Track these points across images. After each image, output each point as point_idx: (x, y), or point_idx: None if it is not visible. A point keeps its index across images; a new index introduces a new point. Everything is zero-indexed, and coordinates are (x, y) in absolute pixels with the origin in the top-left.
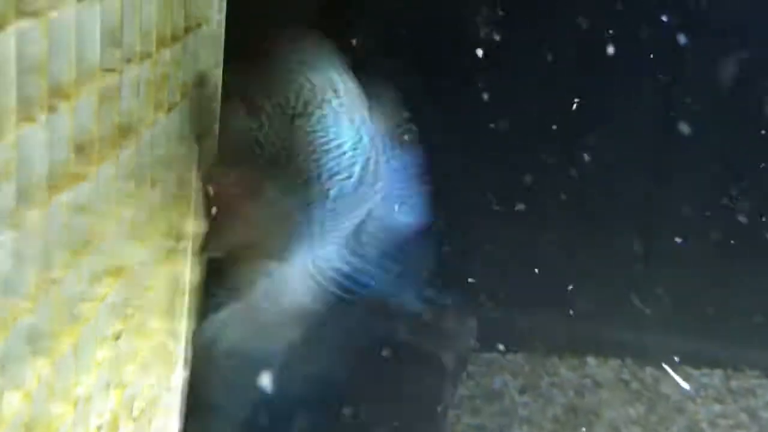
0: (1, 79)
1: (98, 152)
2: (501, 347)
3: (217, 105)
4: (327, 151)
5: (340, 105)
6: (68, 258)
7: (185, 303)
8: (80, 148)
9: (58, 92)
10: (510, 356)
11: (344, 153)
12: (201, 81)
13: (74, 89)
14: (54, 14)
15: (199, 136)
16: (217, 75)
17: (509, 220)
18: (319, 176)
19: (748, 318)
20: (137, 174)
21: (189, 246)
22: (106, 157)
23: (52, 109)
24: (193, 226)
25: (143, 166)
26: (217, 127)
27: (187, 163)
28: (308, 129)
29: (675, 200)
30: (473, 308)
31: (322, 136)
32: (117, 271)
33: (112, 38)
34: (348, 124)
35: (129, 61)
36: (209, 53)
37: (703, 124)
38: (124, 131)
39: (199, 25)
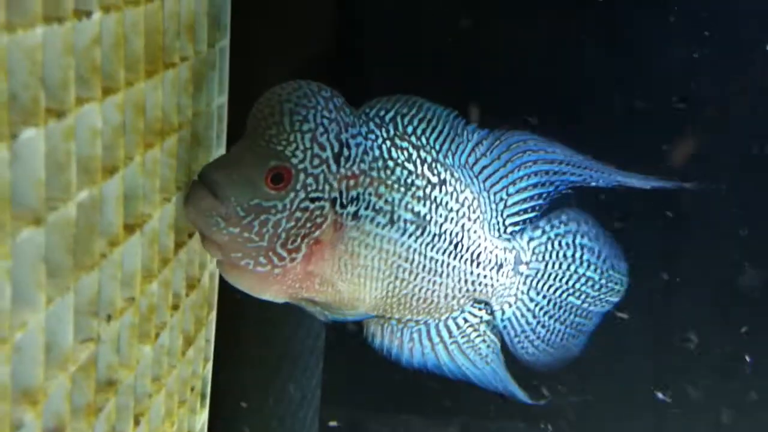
0: None
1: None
2: None
3: (213, 298)
4: None
5: None
6: None
7: None
8: None
9: (25, 399)
10: None
11: None
12: (194, 284)
13: (42, 392)
14: (17, 336)
15: (197, 330)
16: (213, 268)
17: None
18: None
19: None
20: (119, 421)
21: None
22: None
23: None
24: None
25: (127, 409)
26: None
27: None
28: None
29: None
30: None
31: None
32: None
33: (88, 310)
34: None
35: (109, 318)
36: (203, 258)
37: None
38: (104, 389)
39: (191, 236)
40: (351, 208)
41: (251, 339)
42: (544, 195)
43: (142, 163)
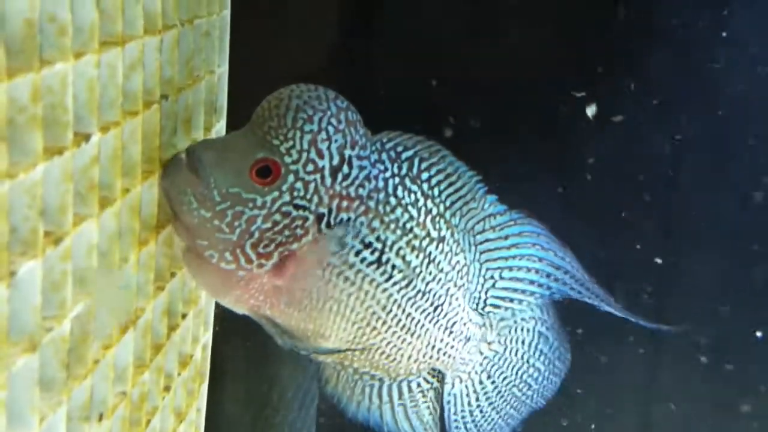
0: None
1: None
2: None
3: (206, 368)
4: None
5: None
6: None
7: None
8: None
9: None
10: None
11: None
12: (187, 361)
13: None
14: None
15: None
16: (205, 340)
17: None
18: None
19: None
20: None
21: None
22: None
23: None
24: None
25: None
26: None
27: None
28: None
29: None
30: None
31: None
32: None
33: (80, 416)
34: None
35: (101, 417)
36: (196, 332)
37: None
38: None
39: (184, 317)
40: (338, 232)
41: (241, 397)
42: (537, 295)
43: (137, 260)
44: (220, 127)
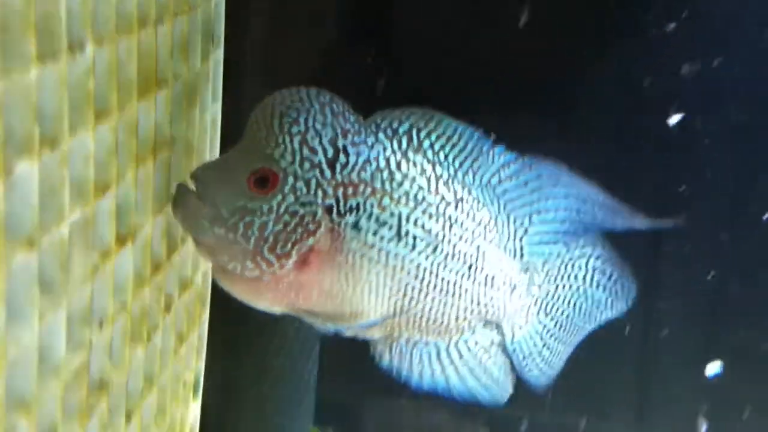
0: None
1: None
2: None
3: (207, 296)
4: None
5: None
6: None
7: None
8: None
9: (19, 408)
10: None
11: None
12: (188, 285)
13: (35, 400)
14: (11, 352)
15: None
16: (206, 268)
17: None
18: None
19: None
20: None
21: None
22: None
23: None
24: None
25: (119, 408)
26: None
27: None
28: None
29: None
30: None
31: None
32: None
33: (80, 319)
34: None
35: (101, 324)
36: (196, 259)
37: None
38: (96, 392)
39: (183, 241)
40: (350, 218)
41: (245, 326)
42: (571, 230)
43: (135, 178)
44: (218, 56)
